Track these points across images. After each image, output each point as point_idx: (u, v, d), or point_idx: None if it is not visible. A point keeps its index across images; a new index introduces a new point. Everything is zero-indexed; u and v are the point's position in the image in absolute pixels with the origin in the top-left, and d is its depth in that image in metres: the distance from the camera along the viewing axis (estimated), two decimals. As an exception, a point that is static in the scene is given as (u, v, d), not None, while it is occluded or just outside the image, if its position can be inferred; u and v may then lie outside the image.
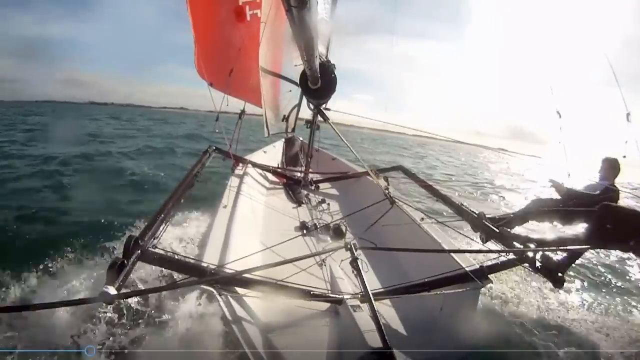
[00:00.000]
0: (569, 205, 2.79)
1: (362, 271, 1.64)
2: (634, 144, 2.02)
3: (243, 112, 4.47)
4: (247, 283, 1.69)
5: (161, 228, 1.91)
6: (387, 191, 3.38)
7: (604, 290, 4.36)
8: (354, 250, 1.68)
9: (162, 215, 2.00)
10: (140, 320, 2.39)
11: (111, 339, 2.26)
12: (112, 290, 1.33)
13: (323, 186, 4.67)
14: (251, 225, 2.99)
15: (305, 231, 3.13)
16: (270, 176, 4.64)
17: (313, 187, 4.47)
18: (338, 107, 4.06)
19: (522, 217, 3.29)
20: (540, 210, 3.16)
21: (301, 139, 6.25)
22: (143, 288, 2.50)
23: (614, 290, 4.47)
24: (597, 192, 2.99)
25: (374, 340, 1.42)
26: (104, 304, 2.11)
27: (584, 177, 3.25)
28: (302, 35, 2.22)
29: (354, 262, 1.66)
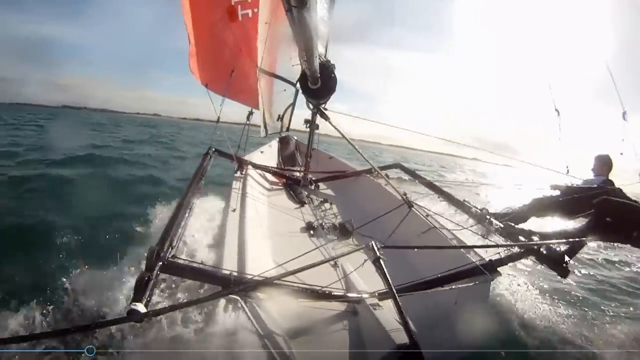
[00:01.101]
0: (568, 200, 2.85)
1: (384, 269, 1.62)
2: (630, 142, 2.08)
3: (251, 113, 4.49)
4: (272, 288, 1.68)
5: (177, 237, 1.87)
6: (405, 196, 3.28)
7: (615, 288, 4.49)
8: (377, 250, 1.66)
9: (177, 224, 1.97)
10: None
11: (110, 339, 2.25)
12: (141, 308, 1.27)
13: (322, 185, 4.68)
14: (261, 228, 2.99)
15: (312, 232, 3.14)
16: (269, 176, 4.63)
17: (313, 187, 4.48)
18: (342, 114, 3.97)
19: (525, 213, 3.34)
20: (541, 205, 3.22)
21: (295, 137, 6.25)
22: (171, 304, 2.43)
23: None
24: (595, 185, 3.05)
25: (399, 338, 1.44)
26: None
27: (581, 174, 3.32)
28: (302, 35, 2.22)
29: (376, 261, 1.65)
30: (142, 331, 2.22)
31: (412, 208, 3.12)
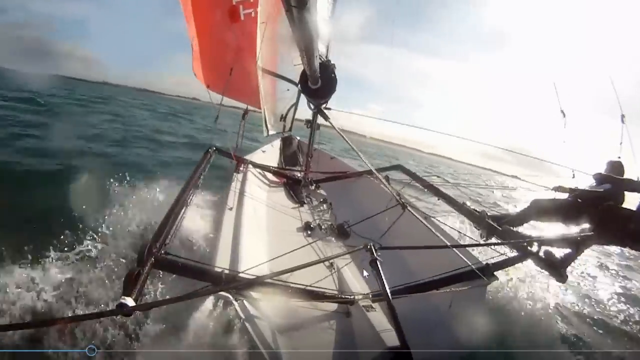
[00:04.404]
0: (574, 205, 2.80)
1: (380, 271, 1.61)
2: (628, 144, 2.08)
3: (246, 111, 4.48)
4: (263, 287, 1.68)
5: (171, 233, 1.88)
6: (398, 197, 3.28)
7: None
8: (374, 252, 1.65)
9: (172, 220, 1.98)
10: (141, 319, 2.36)
11: (111, 338, 2.25)
12: (130, 302, 1.28)
13: (323, 185, 4.67)
14: (257, 227, 2.99)
15: (309, 232, 3.15)
16: (270, 176, 4.63)
17: (313, 187, 4.48)
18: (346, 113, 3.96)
19: (524, 216, 3.30)
20: (541, 208, 3.17)
21: (298, 138, 6.26)
22: (161, 298, 2.39)
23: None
24: (602, 190, 3.00)
25: (391, 339, 1.44)
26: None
27: (587, 179, 3.28)
28: (302, 35, 2.21)
29: (373, 262, 1.64)
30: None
31: (406, 209, 3.09)
